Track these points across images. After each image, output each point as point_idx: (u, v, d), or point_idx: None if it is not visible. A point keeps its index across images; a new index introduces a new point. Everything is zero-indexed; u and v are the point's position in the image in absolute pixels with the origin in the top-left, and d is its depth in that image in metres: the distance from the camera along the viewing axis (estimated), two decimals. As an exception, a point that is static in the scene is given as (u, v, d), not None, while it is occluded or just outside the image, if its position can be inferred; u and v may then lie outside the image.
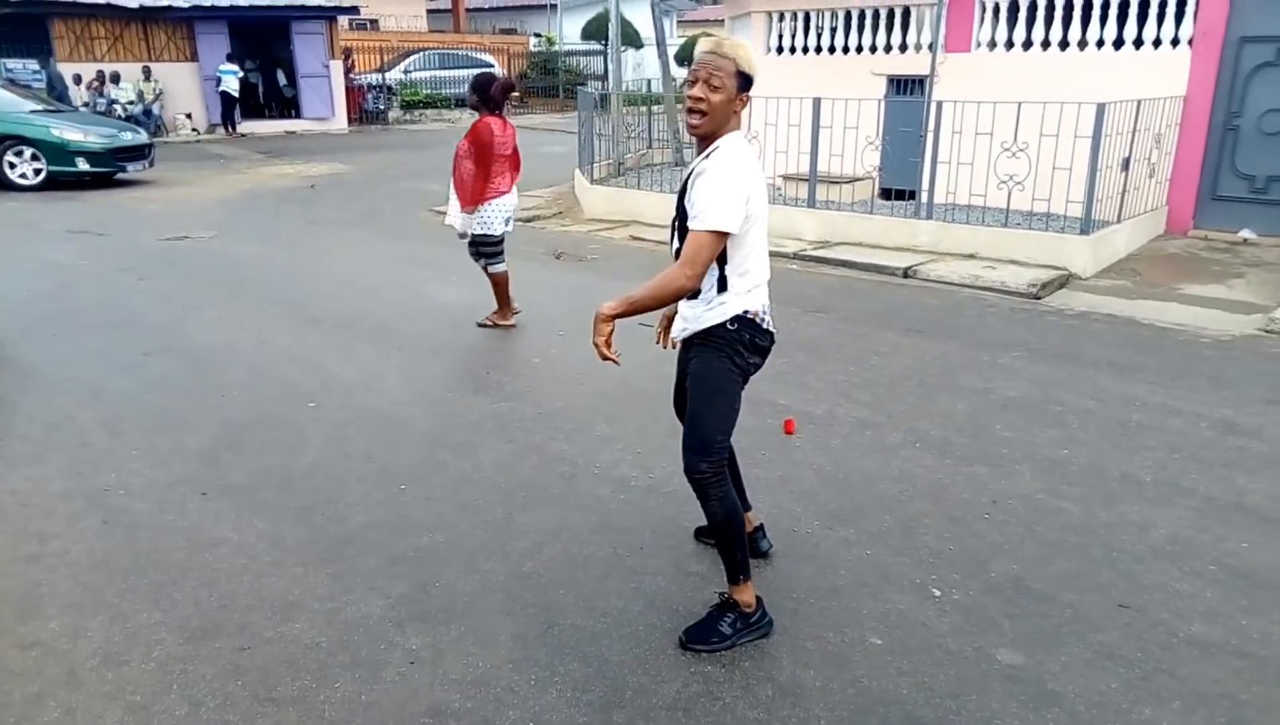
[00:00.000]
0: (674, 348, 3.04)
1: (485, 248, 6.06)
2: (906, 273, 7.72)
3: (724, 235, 2.55)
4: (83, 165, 12.26)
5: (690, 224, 2.56)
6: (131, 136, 13.19)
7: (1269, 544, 3.46)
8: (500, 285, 6.16)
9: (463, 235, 6.02)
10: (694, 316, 2.76)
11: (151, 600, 3.06)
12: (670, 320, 3.05)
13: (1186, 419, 4.65)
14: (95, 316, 6.43)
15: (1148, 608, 3.05)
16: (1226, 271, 7.79)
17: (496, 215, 5.95)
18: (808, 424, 4.53)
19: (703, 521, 3.49)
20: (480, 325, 6.20)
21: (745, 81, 2.60)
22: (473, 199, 5.83)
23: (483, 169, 5.77)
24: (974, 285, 7.32)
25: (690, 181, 2.63)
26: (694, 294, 2.71)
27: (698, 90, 2.57)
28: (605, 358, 2.60)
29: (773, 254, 9.12)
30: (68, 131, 12.32)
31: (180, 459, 4.14)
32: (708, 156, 2.62)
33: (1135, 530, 3.56)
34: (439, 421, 4.59)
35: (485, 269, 6.14)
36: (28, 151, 12.13)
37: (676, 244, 2.72)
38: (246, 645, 2.82)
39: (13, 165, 12.13)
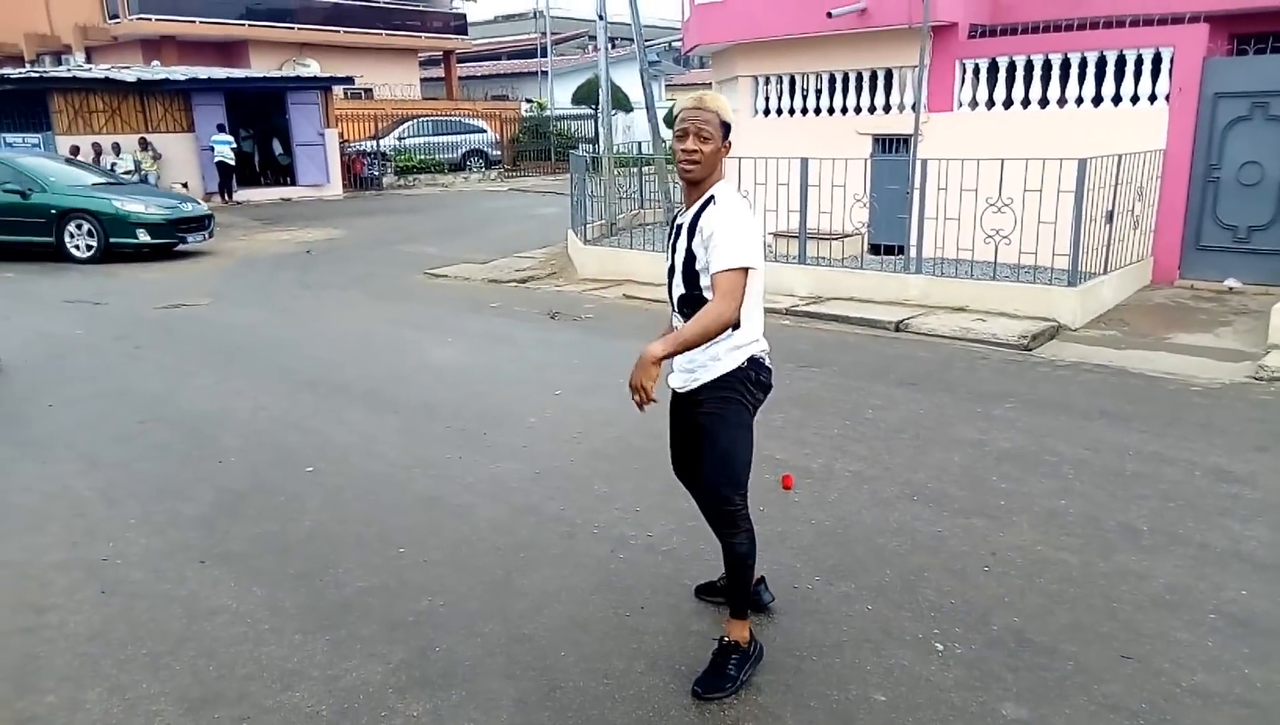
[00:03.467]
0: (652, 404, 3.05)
1: None
2: (898, 326, 7.80)
3: (748, 271, 2.70)
4: (144, 236, 12.36)
5: (717, 266, 2.67)
6: (192, 208, 13.31)
7: (1267, 591, 3.46)
8: None
9: None
10: (706, 362, 2.84)
11: (150, 670, 3.03)
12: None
13: (1180, 467, 4.68)
14: (91, 385, 6.45)
15: (1150, 658, 3.05)
16: (1214, 320, 7.89)
17: None
18: (805, 479, 4.54)
19: (703, 579, 3.52)
20: None
21: (727, 129, 2.80)
22: None
23: None
24: (965, 338, 7.40)
25: (698, 231, 2.75)
26: None
27: (690, 143, 2.75)
28: (648, 401, 2.62)
29: (766, 310, 9.16)
30: (130, 204, 12.46)
31: (177, 527, 4.13)
32: (708, 208, 2.76)
33: (1134, 580, 3.56)
34: (436, 483, 4.60)
35: None
36: (86, 225, 12.26)
37: (681, 289, 2.85)
38: (246, 715, 2.80)
39: (72, 236, 12.28)
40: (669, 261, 2.94)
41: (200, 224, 13.19)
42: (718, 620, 3.28)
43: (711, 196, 2.79)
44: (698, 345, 2.69)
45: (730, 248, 2.66)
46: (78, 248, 12.31)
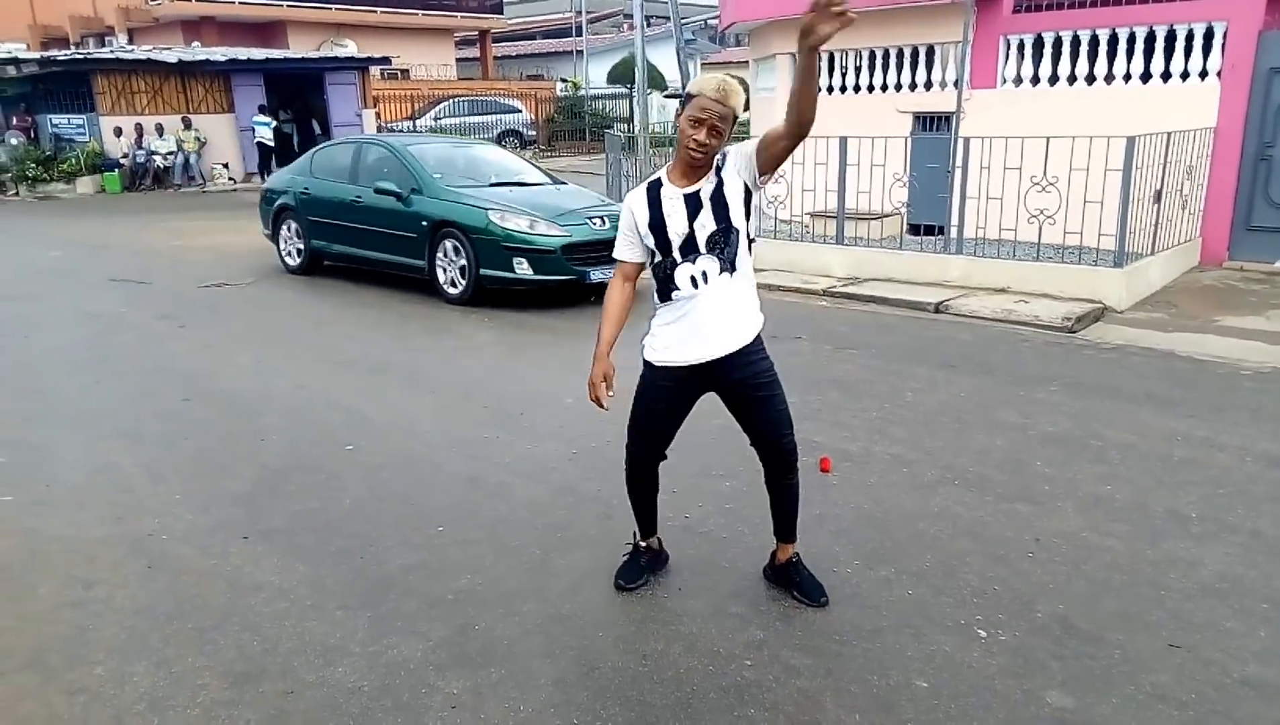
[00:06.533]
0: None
1: None
2: (938, 308, 7.69)
3: None
4: (522, 269, 7.89)
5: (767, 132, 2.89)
6: (603, 226, 8.12)
7: (1323, 581, 3.37)
8: None
9: None
10: (752, 316, 3.07)
11: (195, 645, 3.08)
12: (610, 377, 3.14)
13: (1230, 453, 4.57)
14: (135, 363, 6.55)
15: (1199, 647, 2.99)
16: (1264, 302, 7.69)
17: None
18: (844, 462, 4.50)
19: (741, 561, 3.52)
20: None
21: (734, 123, 2.88)
22: None
23: None
24: (1007, 319, 7.28)
25: (733, 168, 2.92)
26: (733, 267, 2.98)
27: (703, 136, 2.82)
28: None
29: (803, 291, 9.05)
30: (510, 218, 7.97)
31: (221, 504, 4.19)
32: (730, 151, 2.96)
33: (1183, 567, 3.49)
34: (474, 463, 4.62)
35: None
36: (455, 244, 8.21)
37: (712, 226, 2.92)
38: (290, 690, 2.83)
39: (443, 261, 8.35)
40: (686, 229, 2.94)
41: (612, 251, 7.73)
42: (756, 604, 3.27)
43: (721, 152, 2.95)
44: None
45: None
46: (449, 282, 8.34)
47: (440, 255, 8.32)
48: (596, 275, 7.97)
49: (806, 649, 3.00)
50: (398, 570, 3.56)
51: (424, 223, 8.36)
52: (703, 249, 2.95)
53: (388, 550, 3.72)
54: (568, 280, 8.00)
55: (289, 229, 9.97)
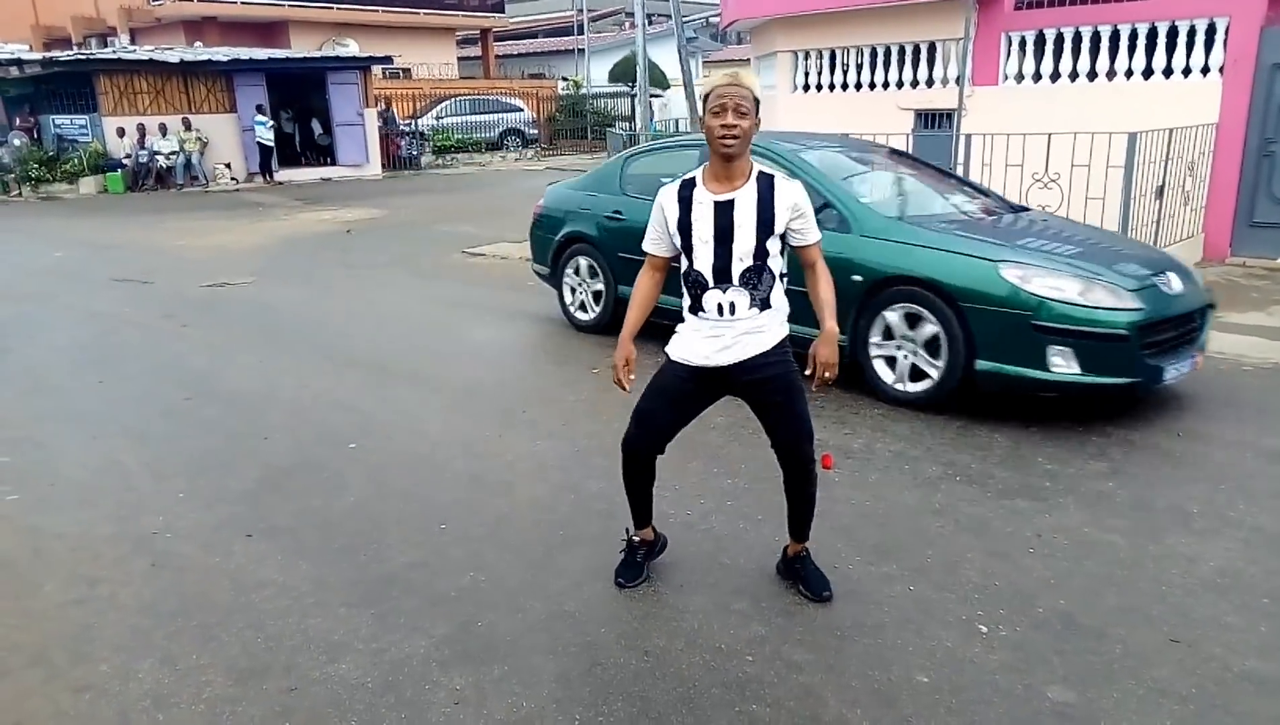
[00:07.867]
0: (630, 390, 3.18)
1: None
2: (940, 305, 7.66)
3: None
4: (1060, 363, 4.74)
5: (816, 236, 3.05)
6: (1174, 287, 5.11)
7: (1324, 576, 3.38)
8: None
9: None
10: (775, 326, 3.06)
11: (199, 642, 3.09)
12: (631, 361, 3.18)
13: (1231, 449, 4.58)
14: (139, 363, 6.57)
15: (1200, 642, 2.99)
16: (1266, 298, 7.68)
17: None
18: (846, 459, 4.51)
19: (742, 558, 3.53)
20: None
21: (758, 105, 2.91)
22: None
23: None
24: (1009, 317, 7.26)
25: (779, 207, 2.94)
26: (765, 305, 3.01)
27: (730, 118, 2.83)
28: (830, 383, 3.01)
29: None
30: (1042, 278, 4.82)
31: (225, 502, 4.20)
32: (779, 185, 2.96)
33: (1184, 563, 3.49)
34: (476, 461, 4.63)
35: None
36: (922, 319, 5.09)
37: (749, 262, 2.95)
38: (294, 686, 2.85)
39: (888, 345, 5.28)
40: (713, 239, 2.95)
41: (1187, 331, 5.13)
42: (758, 601, 3.28)
43: (768, 175, 2.97)
44: None
45: (815, 224, 3.05)
46: (901, 374, 5.26)
47: (879, 329, 5.28)
48: (1171, 373, 4.91)
49: (808, 644, 3.01)
50: (400, 567, 3.57)
51: (856, 278, 5.25)
52: (735, 281, 2.98)
53: (390, 548, 3.73)
54: (1128, 384, 4.83)
55: (584, 269, 7.04)
